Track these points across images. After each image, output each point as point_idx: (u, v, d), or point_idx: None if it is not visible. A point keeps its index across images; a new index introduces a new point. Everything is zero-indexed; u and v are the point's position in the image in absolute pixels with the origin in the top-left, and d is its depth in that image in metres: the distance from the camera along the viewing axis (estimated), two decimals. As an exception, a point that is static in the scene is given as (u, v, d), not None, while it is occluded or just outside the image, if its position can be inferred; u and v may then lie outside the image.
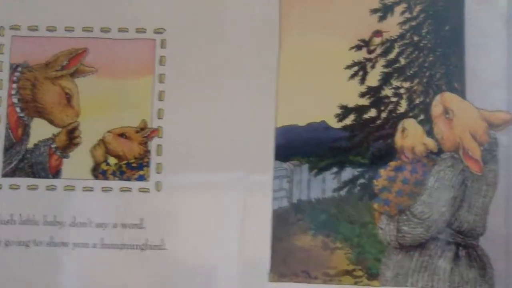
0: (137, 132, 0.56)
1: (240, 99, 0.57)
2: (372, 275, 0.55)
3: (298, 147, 0.56)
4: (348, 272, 0.55)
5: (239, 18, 0.57)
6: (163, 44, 0.57)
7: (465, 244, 0.55)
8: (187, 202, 0.56)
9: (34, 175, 0.56)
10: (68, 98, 0.57)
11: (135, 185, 0.56)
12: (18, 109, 0.56)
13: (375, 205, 0.56)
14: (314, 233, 0.56)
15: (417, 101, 0.56)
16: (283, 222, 0.56)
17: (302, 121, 0.56)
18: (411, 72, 0.56)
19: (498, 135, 0.56)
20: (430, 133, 0.56)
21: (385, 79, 0.56)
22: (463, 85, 0.56)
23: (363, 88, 0.56)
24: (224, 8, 0.57)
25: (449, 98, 0.56)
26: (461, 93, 0.56)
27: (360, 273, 0.55)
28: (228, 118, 0.57)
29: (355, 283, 0.55)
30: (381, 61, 0.56)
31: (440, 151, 0.56)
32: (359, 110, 0.56)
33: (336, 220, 0.56)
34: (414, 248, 0.55)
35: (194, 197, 0.56)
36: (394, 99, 0.56)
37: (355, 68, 0.56)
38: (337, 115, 0.56)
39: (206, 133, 0.56)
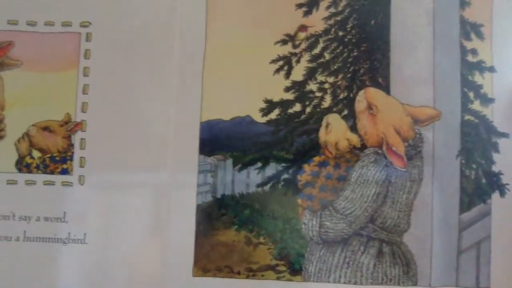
0: (61, 125, 0.56)
1: (165, 94, 0.56)
2: (295, 270, 0.55)
3: (223, 141, 0.56)
4: (270, 267, 0.55)
5: (165, 11, 0.57)
6: (88, 37, 0.57)
7: (389, 240, 0.55)
8: (111, 196, 0.56)
9: (-42, 168, 0.56)
10: (-6, 91, 0.57)
11: (58, 178, 0.56)
12: None
13: (299, 201, 0.56)
14: (238, 228, 0.56)
15: (341, 96, 0.56)
16: (207, 217, 0.56)
17: (227, 116, 0.56)
18: (335, 67, 0.56)
19: (423, 130, 0.55)
20: (354, 128, 0.56)
21: (310, 74, 0.56)
22: (387, 81, 0.56)
23: (288, 83, 0.56)
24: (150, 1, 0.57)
25: (373, 93, 0.56)
26: (386, 89, 0.56)
27: (283, 268, 0.55)
28: (153, 112, 0.56)
29: (278, 278, 0.55)
30: (306, 56, 0.56)
31: (363, 147, 0.55)
32: (284, 104, 0.56)
33: (259, 215, 0.56)
34: (336, 243, 0.55)
35: (117, 191, 0.56)
36: (318, 94, 0.56)
37: (280, 63, 0.56)
38: (262, 110, 0.56)
39: (130, 126, 0.56)
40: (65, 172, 0.56)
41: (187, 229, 0.56)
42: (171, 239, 0.55)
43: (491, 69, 0.56)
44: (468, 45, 0.56)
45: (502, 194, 0.55)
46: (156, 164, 0.56)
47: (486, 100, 0.56)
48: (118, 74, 0.57)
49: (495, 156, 0.55)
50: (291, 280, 0.55)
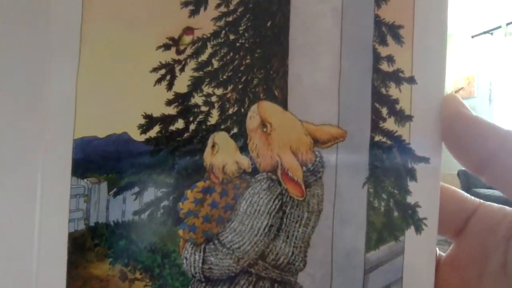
0: None
1: (35, 106, 0.50)
2: (175, 311, 0.48)
3: (97, 162, 0.49)
4: (147, 307, 0.48)
5: (34, 12, 0.50)
6: None
7: (282, 280, 0.47)
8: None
9: None
10: None
11: None
12: None
13: (180, 232, 0.48)
14: (112, 261, 0.49)
15: (230, 111, 0.48)
16: (80, 247, 0.49)
17: (102, 132, 0.49)
18: (224, 76, 0.48)
19: (324, 153, 0.47)
20: (244, 149, 0.48)
21: (195, 85, 0.48)
22: (285, 93, 0.47)
23: (170, 95, 0.48)
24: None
25: (267, 108, 0.47)
26: (283, 103, 0.47)
27: (161, 308, 0.48)
28: (21, 127, 0.50)
29: (154, 320, 0.48)
30: (192, 64, 0.48)
31: (255, 171, 0.47)
32: (165, 120, 0.48)
33: (136, 247, 0.49)
34: (222, 282, 0.48)
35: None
36: (204, 109, 0.48)
37: (162, 71, 0.48)
38: (141, 126, 0.48)
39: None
40: None
41: (58, 260, 0.49)
42: (42, 271, 0.49)
43: (411, 80, 0.47)
44: (383, 51, 0.47)
45: (419, 230, 0.46)
46: (24, 186, 0.50)
47: (403, 118, 0.47)
48: (-18, 83, 0.50)
49: (411, 185, 0.47)
50: (170, 322, 0.48)
